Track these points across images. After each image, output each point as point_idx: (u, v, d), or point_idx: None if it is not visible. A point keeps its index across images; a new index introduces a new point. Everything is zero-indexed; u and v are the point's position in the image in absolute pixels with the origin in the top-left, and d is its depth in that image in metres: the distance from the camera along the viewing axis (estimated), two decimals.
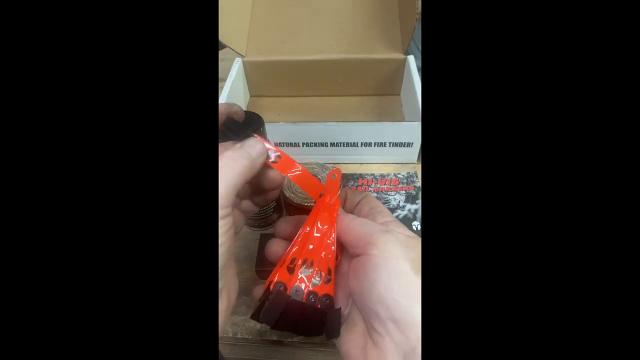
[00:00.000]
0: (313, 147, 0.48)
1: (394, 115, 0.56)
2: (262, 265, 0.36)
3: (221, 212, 0.19)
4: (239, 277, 0.23)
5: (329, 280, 0.23)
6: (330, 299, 0.23)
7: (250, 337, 0.34)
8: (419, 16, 0.49)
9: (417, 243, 0.21)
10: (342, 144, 0.48)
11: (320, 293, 0.23)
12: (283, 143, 0.48)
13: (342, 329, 0.23)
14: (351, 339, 0.22)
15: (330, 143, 0.48)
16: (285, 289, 0.23)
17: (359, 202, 0.27)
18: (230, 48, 0.54)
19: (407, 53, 0.54)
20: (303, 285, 0.23)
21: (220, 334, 0.19)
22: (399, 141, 0.47)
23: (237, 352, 0.36)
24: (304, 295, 0.23)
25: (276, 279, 0.23)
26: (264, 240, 0.37)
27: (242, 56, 0.56)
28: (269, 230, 0.42)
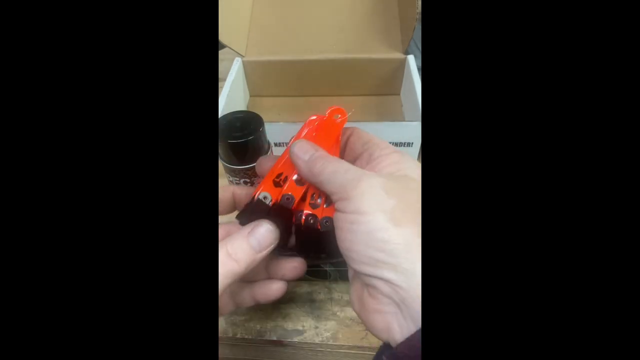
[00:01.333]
0: None
1: (394, 115, 0.56)
2: None
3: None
4: None
5: (330, 204, 0.23)
6: (330, 221, 0.22)
7: (250, 337, 0.34)
8: (419, 16, 0.49)
9: (398, 185, 0.19)
10: None
11: (321, 215, 0.23)
12: (283, 143, 0.48)
13: (350, 278, 0.22)
14: (355, 289, 0.21)
15: None
16: (270, 200, 0.23)
17: (346, 141, 0.23)
18: (230, 48, 0.54)
19: (407, 53, 0.54)
20: (292, 194, 0.23)
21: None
22: (399, 141, 0.47)
23: (237, 353, 0.36)
24: (295, 203, 0.23)
25: (260, 190, 0.23)
26: None
27: (242, 56, 0.56)
28: None
